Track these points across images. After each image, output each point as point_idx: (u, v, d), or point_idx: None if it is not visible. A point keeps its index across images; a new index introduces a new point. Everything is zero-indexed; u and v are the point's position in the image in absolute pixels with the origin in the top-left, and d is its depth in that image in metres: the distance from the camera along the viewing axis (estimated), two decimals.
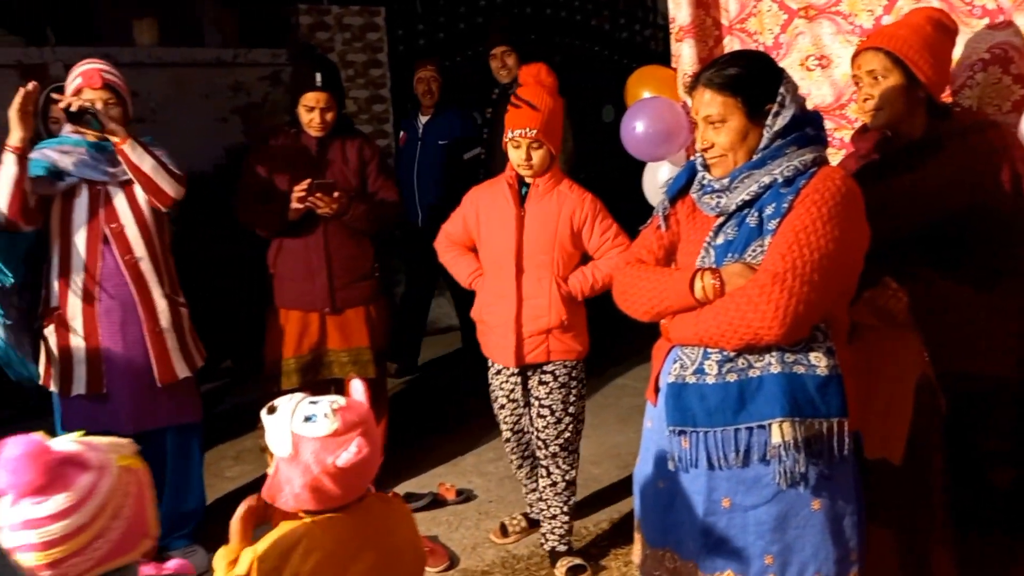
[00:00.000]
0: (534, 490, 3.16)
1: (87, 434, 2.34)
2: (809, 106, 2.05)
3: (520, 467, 3.15)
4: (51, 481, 1.28)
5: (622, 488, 3.55)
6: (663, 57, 3.28)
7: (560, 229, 2.81)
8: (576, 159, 4.18)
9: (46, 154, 2.80)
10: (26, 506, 1.27)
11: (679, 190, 2.09)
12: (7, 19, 5.77)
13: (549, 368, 2.89)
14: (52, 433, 3.19)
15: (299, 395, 1.75)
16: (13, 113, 2.61)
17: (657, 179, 3.07)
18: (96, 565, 1.32)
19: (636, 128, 2.91)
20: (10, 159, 2.65)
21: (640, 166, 3.22)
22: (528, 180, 2.83)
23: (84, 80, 2.80)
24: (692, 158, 2.12)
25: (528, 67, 2.83)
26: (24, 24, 6.34)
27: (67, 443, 1.35)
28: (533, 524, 3.20)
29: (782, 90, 1.91)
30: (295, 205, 3.16)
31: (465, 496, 3.56)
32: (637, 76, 3.16)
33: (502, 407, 3.04)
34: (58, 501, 1.27)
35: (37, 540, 1.27)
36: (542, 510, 3.02)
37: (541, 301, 2.82)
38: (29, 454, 1.26)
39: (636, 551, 2.25)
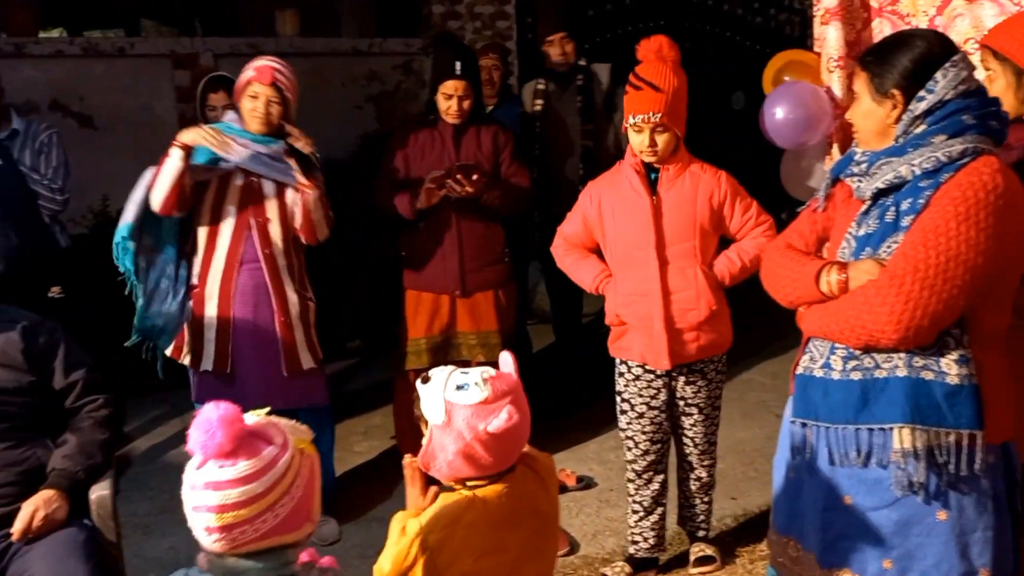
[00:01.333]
0: (649, 518, 2.90)
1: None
2: None
3: (648, 484, 2.86)
4: (238, 448, 1.36)
5: (747, 484, 3.48)
6: (799, 42, 3.18)
7: (699, 213, 2.67)
8: (704, 147, 4.07)
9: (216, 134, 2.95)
10: (211, 468, 1.36)
11: (842, 170, 1.98)
12: (160, 12, 6.15)
13: (698, 366, 2.76)
14: (188, 403, 3.44)
15: (451, 367, 1.79)
16: (195, 131, 2.82)
17: (799, 168, 2.95)
18: (262, 537, 1.39)
19: (778, 114, 2.79)
20: (177, 154, 2.81)
21: (775, 155, 3.11)
22: (656, 165, 2.69)
23: (256, 74, 2.94)
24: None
25: (648, 41, 2.64)
26: (175, 16, 6.74)
27: (254, 417, 1.44)
28: (640, 567, 2.94)
29: (939, 72, 1.79)
30: (428, 186, 3.20)
31: (585, 483, 3.56)
32: (777, 61, 3.05)
33: (640, 416, 2.80)
34: (241, 467, 1.35)
35: (215, 502, 1.35)
36: (683, 501, 2.97)
37: (688, 293, 2.67)
38: (223, 419, 1.34)
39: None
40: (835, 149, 2.85)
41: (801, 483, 2.01)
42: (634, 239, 2.70)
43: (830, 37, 2.82)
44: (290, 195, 3.03)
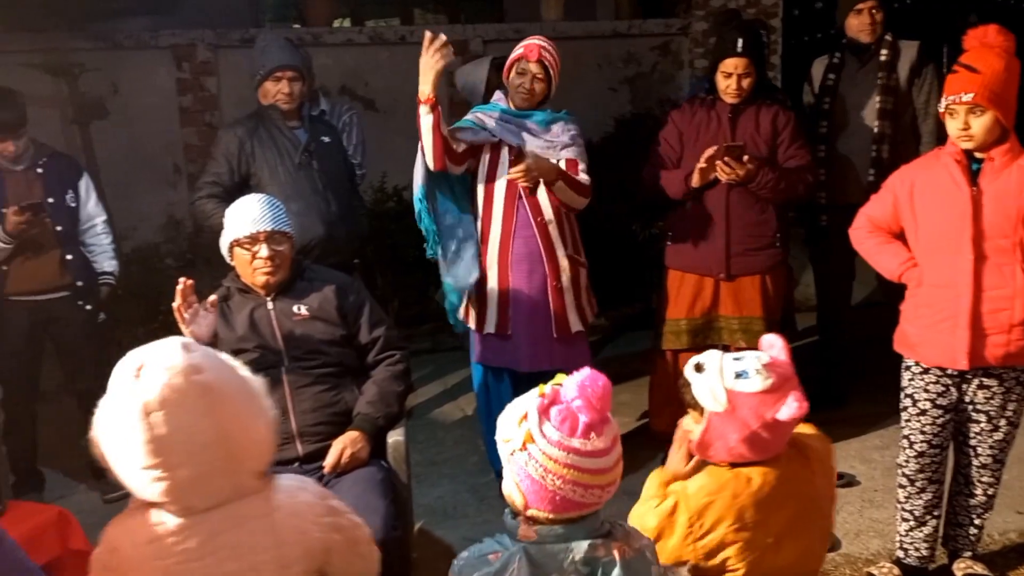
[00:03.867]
0: (921, 529, 2.72)
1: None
2: None
3: (920, 492, 2.69)
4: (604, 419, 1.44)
5: None
6: None
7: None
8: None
9: (477, 116, 3.15)
10: (592, 439, 1.40)
11: None
12: (428, 1, 6.56)
13: (996, 371, 2.54)
14: (450, 366, 3.68)
15: (718, 352, 1.81)
16: (423, 66, 2.89)
17: None
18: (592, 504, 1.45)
19: None
20: (423, 109, 2.97)
21: None
22: (979, 155, 2.48)
23: (524, 51, 3.10)
24: None
25: (974, 31, 2.51)
26: (444, 4, 7.15)
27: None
28: (910, 574, 2.76)
29: None
30: (701, 165, 3.18)
31: (846, 481, 3.41)
32: None
33: (922, 412, 2.63)
34: (606, 438, 1.42)
35: (592, 467, 1.40)
36: (950, 518, 2.76)
37: (1003, 292, 2.45)
38: (604, 389, 1.41)
39: None
40: None
41: None
42: (947, 230, 2.50)
43: None
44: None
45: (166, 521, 1.45)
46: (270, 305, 2.56)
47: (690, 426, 1.81)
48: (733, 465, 1.77)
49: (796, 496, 1.79)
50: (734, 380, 1.71)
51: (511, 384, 3.27)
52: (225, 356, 1.54)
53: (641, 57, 6.05)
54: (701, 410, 1.77)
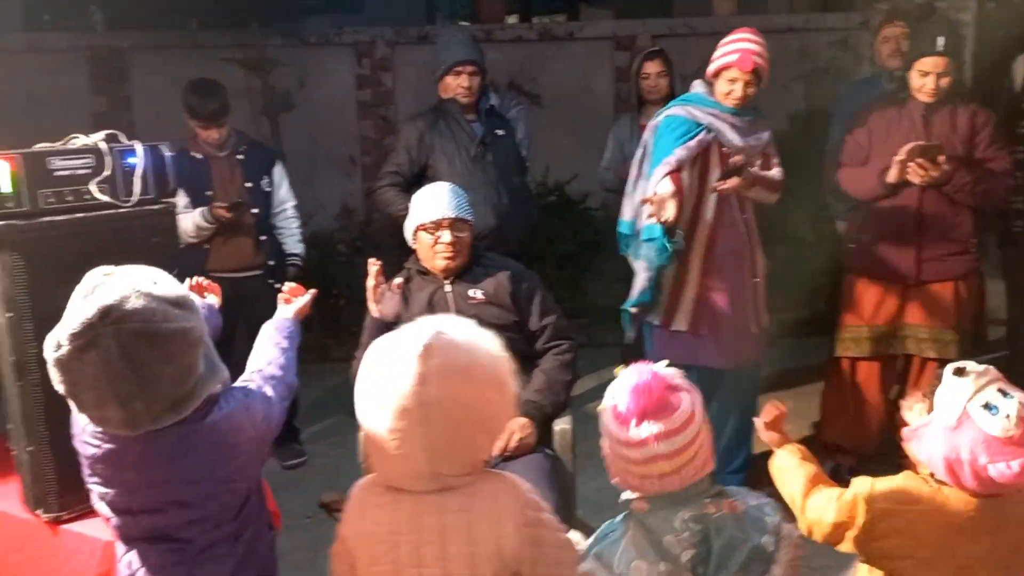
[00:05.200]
0: None
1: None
2: None
3: None
4: (666, 403, 1.51)
5: None
6: None
7: None
8: None
9: (687, 109, 3.08)
10: (649, 424, 1.50)
11: None
12: None
13: None
14: (605, 360, 3.64)
15: (993, 371, 1.66)
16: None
17: None
18: (697, 471, 1.53)
19: None
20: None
21: None
22: None
23: (738, 60, 2.93)
24: None
25: None
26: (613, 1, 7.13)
27: (666, 370, 1.58)
28: None
29: None
30: (899, 158, 3.02)
31: None
32: None
33: None
34: (676, 417, 1.50)
35: (665, 450, 1.49)
36: None
37: None
38: (654, 378, 1.52)
39: None
40: None
41: None
42: None
43: None
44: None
45: (381, 495, 1.52)
46: (448, 288, 2.65)
47: (914, 411, 1.73)
48: (935, 478, 1.68)
49: (996, 534, 1.67)
50: (980, 407, 1.59)
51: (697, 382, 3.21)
52: (493, 337, 1.57)
53: (817, 52, 5.82)
54: (932, 407, 1.68)
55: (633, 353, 4.32)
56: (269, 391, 1.79)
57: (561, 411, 2.64)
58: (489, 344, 1.54)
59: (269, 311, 3.68)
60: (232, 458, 1.66)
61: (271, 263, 3.67)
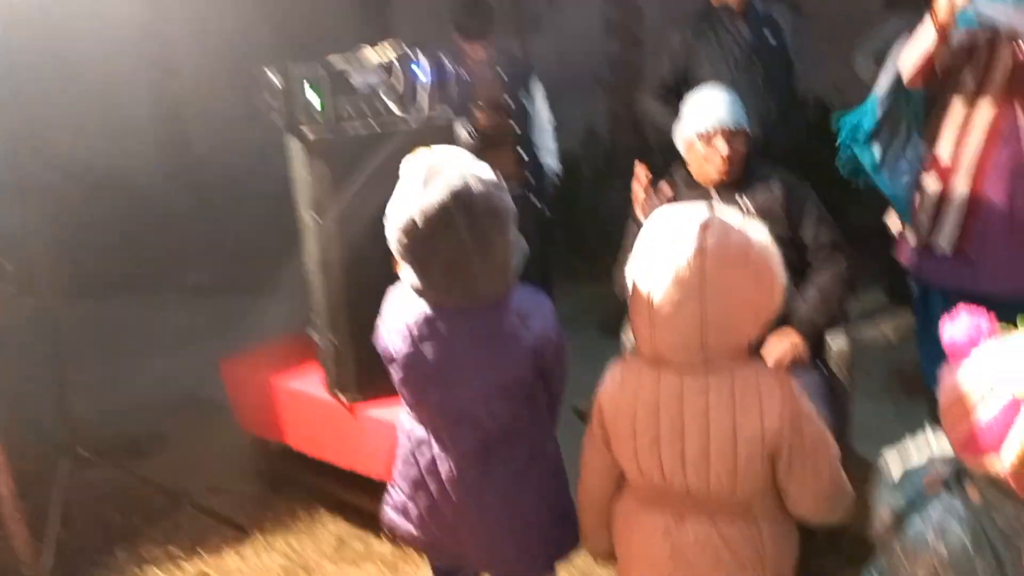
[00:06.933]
0: None
1: None
2: None
3: None
4: None
5: None
6: None
7: None
8: None
9: (977, 9, 2.73)
10: None
11: None
12: None
13: None
14: None
15: None
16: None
17: None
18: None
19: None
20: (930, 34, 2.63)
21: None
22: None
23: None
24: None
25: None
26: None
27: None
28: None
29: None
30: None
31: None
32: None
33: None
34: None
35: None
36: None
37: None
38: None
39: None
40: None
41: None
42: None
43: None
44: None
45: (643, 370, 1.62)
46: (715, 200, 2.58)
47: None
48: None
49: None
50: None
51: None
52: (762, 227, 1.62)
53: None
54: None
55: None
56: None
57: (835, 325, 2.52)
58: (760, 233, 1.59)
59: (530, 230, 3.82)
60: (526, 333, 1.77)
61: (532, 180, 3.75)
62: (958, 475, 1.36)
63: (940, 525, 1.31)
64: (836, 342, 2.50)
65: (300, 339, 3.03)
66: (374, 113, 2.54)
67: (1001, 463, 1.26)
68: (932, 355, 3.08)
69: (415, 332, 1.77)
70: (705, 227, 1.53)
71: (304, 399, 2.82)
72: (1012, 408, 1.25)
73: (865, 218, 4.09)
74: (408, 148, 1.84)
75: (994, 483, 1.29)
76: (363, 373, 2.60)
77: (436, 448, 1.84)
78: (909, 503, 1.39)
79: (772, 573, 1.66)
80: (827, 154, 4.96)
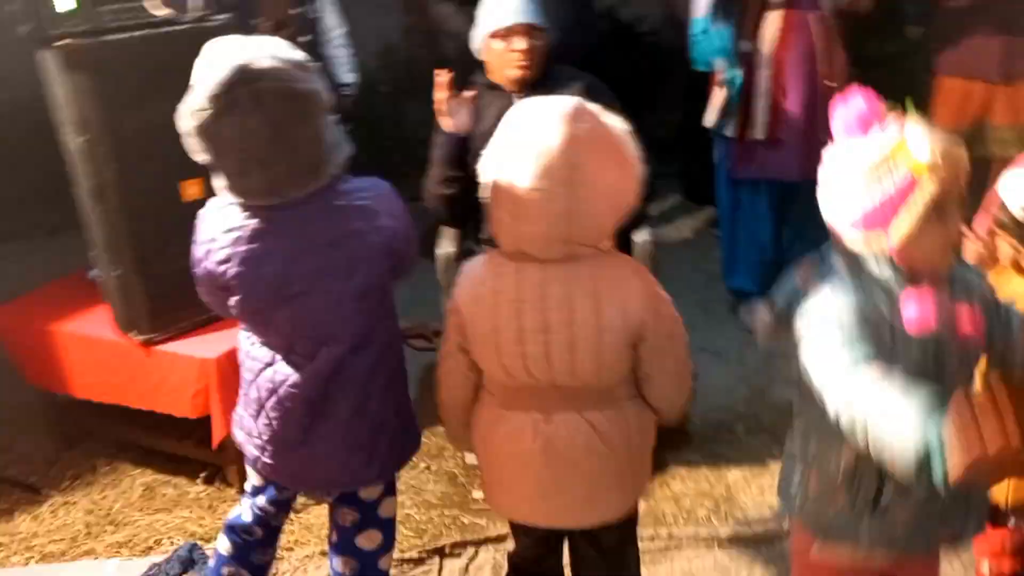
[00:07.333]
0: None
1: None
2: None
3: None
4: None
5: None
6: None
7: None
8: None
9: None
10: None
11: None
12: None
13: None
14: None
15: None
16: None
17: None
18: None
19: None
20: None
21: None
22: None
23: None
24: None
25: None
26: None
27: None
28: None
29: None
30: None
31: None
32: None
33: None
34: None
35: None
36: None
37: None
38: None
39: None
40: None
41: None
42: None
43: None
44: None
45: (502, 265, 1.59)
46: (518, 102, 2.54)
47: None
48: None
49: None
50: None
51: (768, 199, 3.17)
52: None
53: None
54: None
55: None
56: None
57: (640, 222, 2.58)
58: (619, 121, 1.58)
59: None
60: (373, 232, 1.67)
61: None
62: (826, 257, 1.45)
63: (825, 292, 1.39)
64: (641, 236, 2.57)
65: (81, 280, 2.76)
66: (138, 17, 2.28)
67: (888, 240, 1.34)
68: (734, 247, 3.34)
69: (241, 246, 1.62)
70: (574, 116, 1.51)
71: (92, 343, 2.57)
72: (906, 187, 1.31)
73: (662, 130, 4.26)
74: (181, 53, 1.67)
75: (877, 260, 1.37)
76: (155, 307, 2.40)
77: (284, 367, 1.71)
78: (789, 298, 1.46)
79: (637, 456, 1.72)
80: (621, 64, 5.09)
